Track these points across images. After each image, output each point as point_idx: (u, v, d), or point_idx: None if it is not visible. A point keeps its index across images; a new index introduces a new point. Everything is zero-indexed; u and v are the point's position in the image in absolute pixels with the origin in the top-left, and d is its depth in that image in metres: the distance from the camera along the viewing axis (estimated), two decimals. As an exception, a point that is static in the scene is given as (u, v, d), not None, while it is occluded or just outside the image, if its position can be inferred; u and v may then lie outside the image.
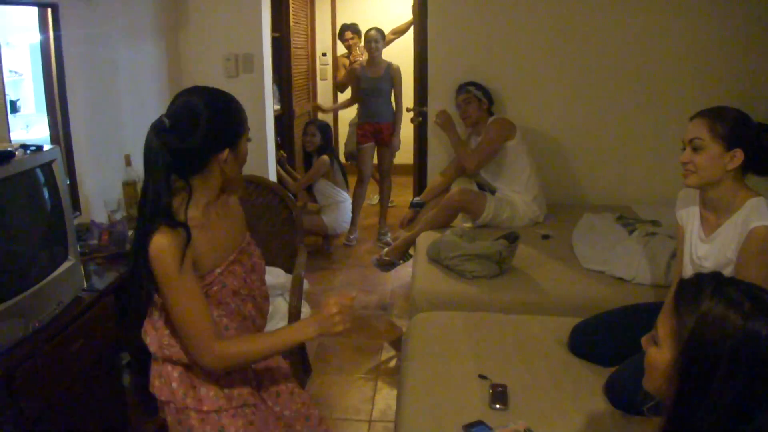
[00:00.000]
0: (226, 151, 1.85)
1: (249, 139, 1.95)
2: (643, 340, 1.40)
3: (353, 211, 5.89)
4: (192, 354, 1.83)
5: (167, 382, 1.93)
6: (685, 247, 2.46)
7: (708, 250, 2.34)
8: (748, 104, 2.35)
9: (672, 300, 1.32)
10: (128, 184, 3.46)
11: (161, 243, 1.73)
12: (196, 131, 1.79)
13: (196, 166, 1.85)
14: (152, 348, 1.92)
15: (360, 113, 6.03)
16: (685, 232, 2.48)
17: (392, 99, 5.88)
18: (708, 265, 2.33)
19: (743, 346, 1.19)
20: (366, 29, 5.81)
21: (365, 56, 5.87)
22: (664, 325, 1.31)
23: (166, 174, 1.79)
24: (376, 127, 5.87)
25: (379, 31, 5.68)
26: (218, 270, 1.90)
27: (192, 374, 1.92)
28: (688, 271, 2.43)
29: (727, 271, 2.24)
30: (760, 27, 4.30)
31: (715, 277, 1.31)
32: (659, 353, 1.32)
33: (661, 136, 4.52)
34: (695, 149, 2.25)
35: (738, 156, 2.21)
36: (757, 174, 2.28)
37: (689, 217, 2.46)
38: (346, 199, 5.54)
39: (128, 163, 3.48)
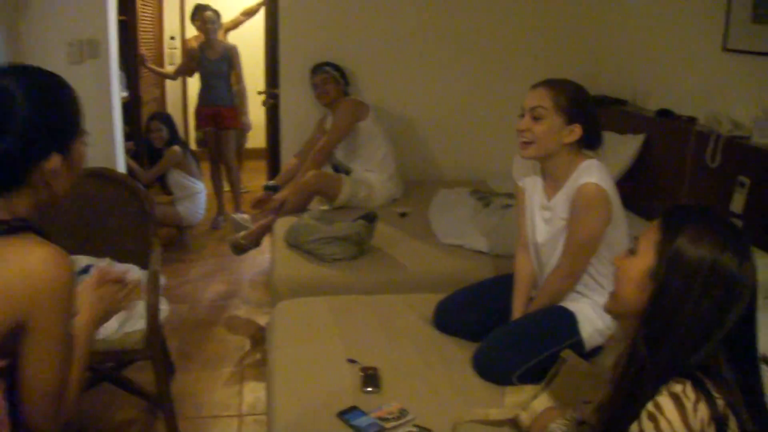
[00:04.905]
0: (54, 158, 1.35)
1: (85, 143, 1.44)
2: (616, 258, 1.48)
3: (217, 194, 5.80)
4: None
5: None
6: (527, 212, 2.50)
7: (549, 215, 2.39)
8: (590, 79, 2.43)
9: (659, 220, 1.39)
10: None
11: None
12: (8, 128, 1.29)
13: (11, 179, 1.33)
14: None
15: (200, 96, 5.83)
16: (525, 197, 2.51)
17: (233, 81, 5.75)
18: (548, 230, 2.39)
19: (716, 270, 1.28)
20: (198, 9, 5.65)
21: (201, 38, 5.68)
22: (647, 239, 1.39)
23: None
24: (215, 111, 5.70)
25: (215, 11, 5.54)
26: None
27: None
28: (530, 237, 2.48)
29: (564, 234, 2.32)
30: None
31: (704, 208, 1.41)
32: (636, 260, 1.39)
33: (510, 111, 4.59)
34: (536, 118, 2.27)
35: (576, 131, 2.26)
36: (588, 149, 2.35)
37: (533, 184, 2.49)
38: (202, 189, 5.30)
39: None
